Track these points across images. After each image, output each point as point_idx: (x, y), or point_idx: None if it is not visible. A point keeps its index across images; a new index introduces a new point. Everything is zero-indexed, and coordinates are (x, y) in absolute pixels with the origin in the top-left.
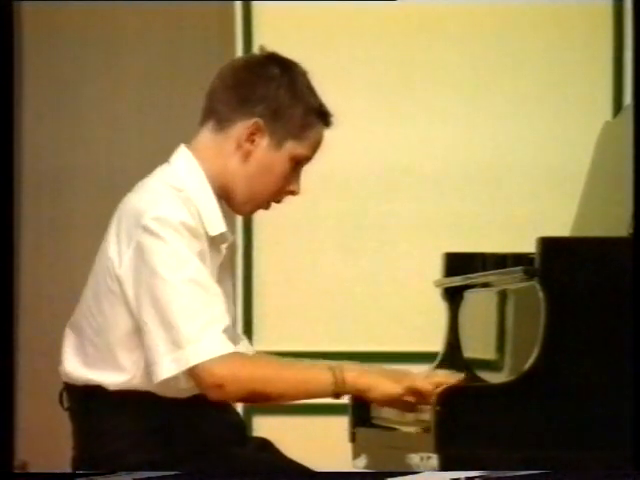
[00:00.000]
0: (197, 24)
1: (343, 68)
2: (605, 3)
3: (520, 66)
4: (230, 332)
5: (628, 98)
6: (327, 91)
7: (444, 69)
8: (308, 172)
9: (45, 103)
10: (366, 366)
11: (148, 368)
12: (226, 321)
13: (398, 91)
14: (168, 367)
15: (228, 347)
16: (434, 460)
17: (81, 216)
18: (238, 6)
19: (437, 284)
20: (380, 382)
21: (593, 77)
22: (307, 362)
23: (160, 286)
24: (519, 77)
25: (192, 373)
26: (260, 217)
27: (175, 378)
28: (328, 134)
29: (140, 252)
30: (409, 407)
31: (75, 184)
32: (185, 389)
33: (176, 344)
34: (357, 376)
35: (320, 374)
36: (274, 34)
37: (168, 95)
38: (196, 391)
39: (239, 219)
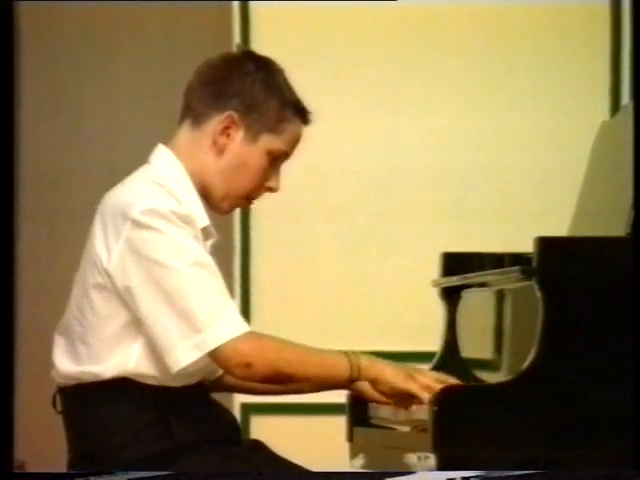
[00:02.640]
0: (195, 25)
1: (341, 68)
2: (603, 3)
3: (518, 65)
4: None
5: (625, 98)
6: (325, 90)
7: (442, 68)
8: (306, 170)
9: (44, 102)
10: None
11: (164, 359)
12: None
13: (396, 90)
14: (188, 353)
15: (246, 326)
16: (432, 460)
17: (80, 214)
18: (236, 7)
19: (435, 284)
20: (389, 372)
21: (591, 77)
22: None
23: (166, 275)
24: (517, 77)
25: (215, 355)
26: (258, 216)
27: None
28: (326, 132)
29: (133, 246)
30: (406, 404)
31: (73, 183)
32: (190, 375)
33: (194, 329)
34: (370, 363)
35: (339, 359)
36: (272, 35)
37: (166, 95)
38: (197, 379)
39: (237, 219)
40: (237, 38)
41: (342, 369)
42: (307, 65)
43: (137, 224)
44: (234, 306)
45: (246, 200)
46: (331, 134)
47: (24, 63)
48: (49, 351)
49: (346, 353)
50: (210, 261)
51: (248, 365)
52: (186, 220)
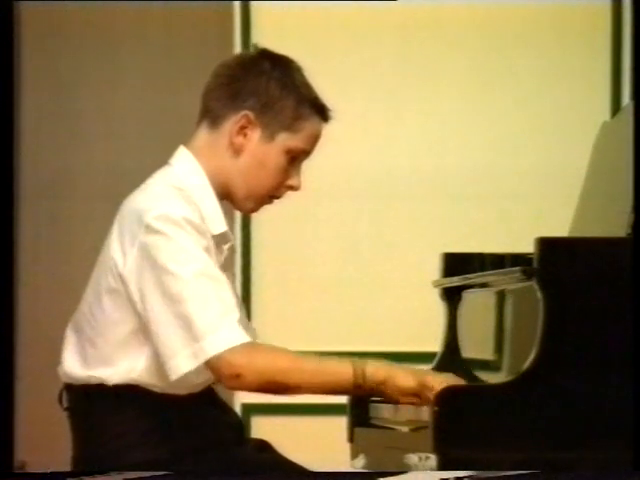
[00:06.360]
0: (196, 25)
1: (342, 69)
2: (603, 3)
3: (518, 66)
4: (243, 322)
5: (626, 98)
6: (325, 92)
7: (442, 69)
8: (307, 172)
9: (44, 104)
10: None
11: (164, 366)
12: (237, 312)
13: (396, 92)
14: (186, 362)
15: (244, 337)
16: (432, 460)
17: (80, 217)
18: (237, 7)
19: (435, 284)
20: (396, 374)
21: (591, 77)
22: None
23: (171, 281)
24: (517, 77)
25: (209, 364)
26: (258, 217)
27: (188, 374)
28: (326, 134)
29: (145, 251)
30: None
31: (74, 185)
32: (195, 385)
33: (192, 338)
34: (377, 368)
35: (339, 366)
36: (273, 35)
37: (167, 96)
38: (202, 387)
39: (237, 219)
40: (238, 38)
41: (345, 376)
42: (308, 65)
43: (150, 229)
44: (235, 317)
45: (270, 199)
46: (331, 134)
47: (25, 64)
48: (50, 350)
49: (350, 360)
50: (217, 273)
51: (237, 376)
52: (199, 230)
